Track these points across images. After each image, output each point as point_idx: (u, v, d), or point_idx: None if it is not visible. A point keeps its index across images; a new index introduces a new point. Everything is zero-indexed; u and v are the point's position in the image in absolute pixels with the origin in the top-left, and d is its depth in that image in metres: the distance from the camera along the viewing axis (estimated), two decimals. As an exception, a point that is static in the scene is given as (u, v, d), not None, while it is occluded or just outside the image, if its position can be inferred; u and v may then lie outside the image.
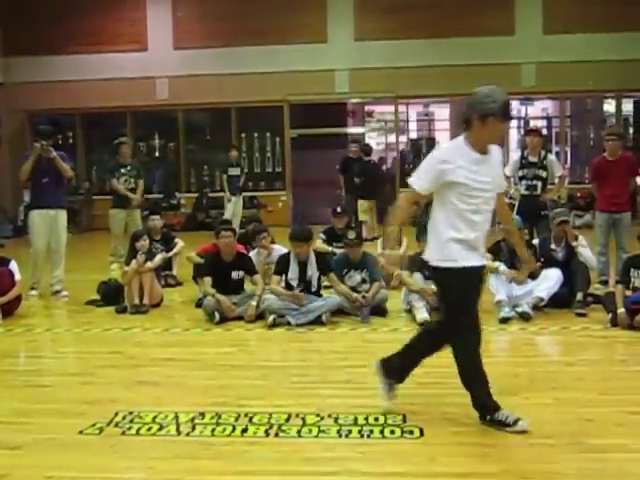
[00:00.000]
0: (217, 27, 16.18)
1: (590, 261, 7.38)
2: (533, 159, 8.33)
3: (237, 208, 13.55)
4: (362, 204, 13.36)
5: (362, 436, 4.05)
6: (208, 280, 7.12)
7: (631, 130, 16.19)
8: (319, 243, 8.83)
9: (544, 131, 17.24)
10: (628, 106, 16.77)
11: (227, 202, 13.60)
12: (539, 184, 8.26)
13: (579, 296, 7.01)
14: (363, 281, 7.34)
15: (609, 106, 17.74)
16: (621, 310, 6.36)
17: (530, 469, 3.58)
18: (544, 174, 8.29)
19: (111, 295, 7.82)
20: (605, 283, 7.97)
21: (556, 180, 8.59)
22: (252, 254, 8.01)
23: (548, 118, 18.70)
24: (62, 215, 8.69)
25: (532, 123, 18.50)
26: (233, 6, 16.16)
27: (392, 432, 4.08)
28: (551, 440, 3.91)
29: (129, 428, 4.24)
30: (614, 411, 4.34)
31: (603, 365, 5.47)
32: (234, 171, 13.66)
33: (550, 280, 7.02)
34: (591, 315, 6.86)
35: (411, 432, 4.07)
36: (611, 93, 16.84)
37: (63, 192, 8.87)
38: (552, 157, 8.57)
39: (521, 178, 8.33)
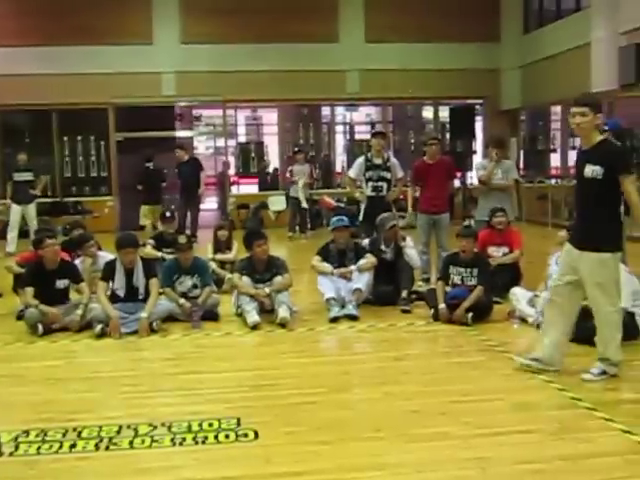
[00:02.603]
0: (34, 24, 15.38)
1: (414, 260, 7.75)
2: (377, 161, 8.59)
3: (29, 217, 12.35)
4: (143, 209, 13.56)
5: (197, 443, 4.01)
6: (30, 291, 6.75)
7: (448, 135, 17.12)
8: (148, 249, 8.65)
9: (368, 136, 17.89)
10: (444, 113, 17.74)
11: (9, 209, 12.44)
12: (384, 185, 8.53)
13: (404, 294, 7.34)
14: (194, 286, 7.27)
15: (427, 112, 18.70)
16: (442, 306, 6.72)
17: (362, 462, 3.69)
18: (388, 175, 8.57)
19: None
20: (427, 280, 8.38)
21: (392, 183, 8.84)
22: (77, 262, 7.71)
23: (372, 124, 19.40)
24: None
25: (357, 128, 19.16)
26: (51, 2, 15.46)
27: (227, 436, 4.07)
28: (381, 433, 4.06)
29: (-56, 452, 3.95)
30: (438, 401, 4.58)
31: (427, 358, 5.76)
32: (22, 176, 12.42)
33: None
34: (415, 311, 7.20)
35: (246, 435, 4.08)
36: (429, 100, 17.77)
37: None
38: (394, 159, 8.86)
39: (367, 180, 8.56)
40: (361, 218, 8.58)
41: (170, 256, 8.07)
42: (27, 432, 4.17)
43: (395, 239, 7.66)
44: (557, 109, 16.77)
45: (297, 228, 14.24)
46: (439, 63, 16.17)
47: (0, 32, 15.43)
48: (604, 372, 4.93)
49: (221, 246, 8.92)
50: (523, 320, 6.60)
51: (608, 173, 4.71)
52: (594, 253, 4.80)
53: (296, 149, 15.37)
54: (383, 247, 7.64)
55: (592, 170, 4.75)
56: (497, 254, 7.84)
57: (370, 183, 8.52)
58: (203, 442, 4.01)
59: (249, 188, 17.94)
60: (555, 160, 17.34)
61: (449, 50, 16.24)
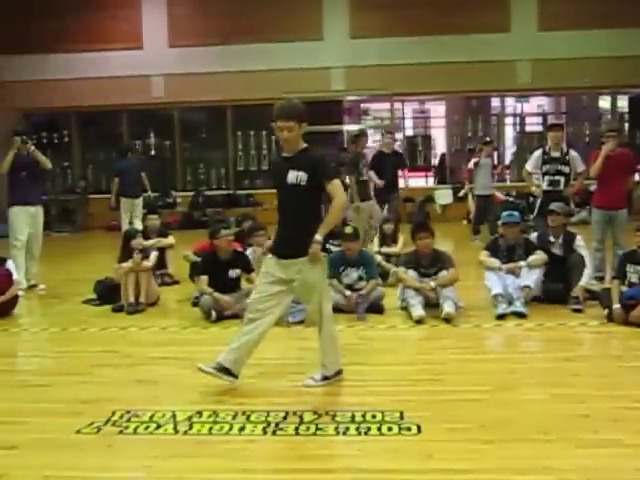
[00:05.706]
0: (212, 25, 16.12)
1: (586, 260, 7.37)
2: (555, 154, 8.29)
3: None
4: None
5: (360, 433, 4.05)
6: (204, 279, 7.11)
7: (626, 126, 16.20)
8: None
9: (540, 128, 17.28)
10: (623, 102, 16.79)
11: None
12: (562, 179, 8.23)
13: (575, 292, 7.02)
14: (360, 278, 7.36)
15: (604, 102, 17.76)
16: (617, 306, 6.38)
17: (525, 465, 3.59)
18: (567, 169, 8.24)
19: (107, 294, 7.80)
20: (601, 279, 7.97)
21: (572, 177, 8.47)
22: (248, 252, 8.01)
23: (544, 115, 18.73)
24: (41, 211, 9.04)
25: (527, 120, 18.56)
26: (227, 4, 16.12)
27: (390, 429, 4.09)
28: (547, 436, 3.92)
29: (126, 427, 4.24)
30: (610, 407, 4.36)
31: (599, 361, 5.49)
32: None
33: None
34: (587, 311, 6.87)
35: (409, 429, 4.08)
36: (606, 90, 16.87)
37: (41, 188, 9.42)
38: (574, 152, 8.47)
39: (544, 174, 8.29)
40: (535, 213, 8.29)
41: (336, 248, 8.20)
42: (200, 413, 4.41)
43: (563, 231, 7.33)
44: None
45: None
46: (618, 50, 15.27)
47: (180, 33, 16.35)
48: (326, 378, 4.89)
49: (387, 239, 8.96)
50: None
51: (312, 179, 4.70)
52: (301, 258, 4.75)
53: (487, 139, 13.08)
54: (551, 238, 7.34)
55: (297, 176, 4.71)
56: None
57: (547, 177, 8.22)
58: (366, 433, 4.05)
59: (417, 182, 17.84)
60: None
61: (629, 36, 15.29)
